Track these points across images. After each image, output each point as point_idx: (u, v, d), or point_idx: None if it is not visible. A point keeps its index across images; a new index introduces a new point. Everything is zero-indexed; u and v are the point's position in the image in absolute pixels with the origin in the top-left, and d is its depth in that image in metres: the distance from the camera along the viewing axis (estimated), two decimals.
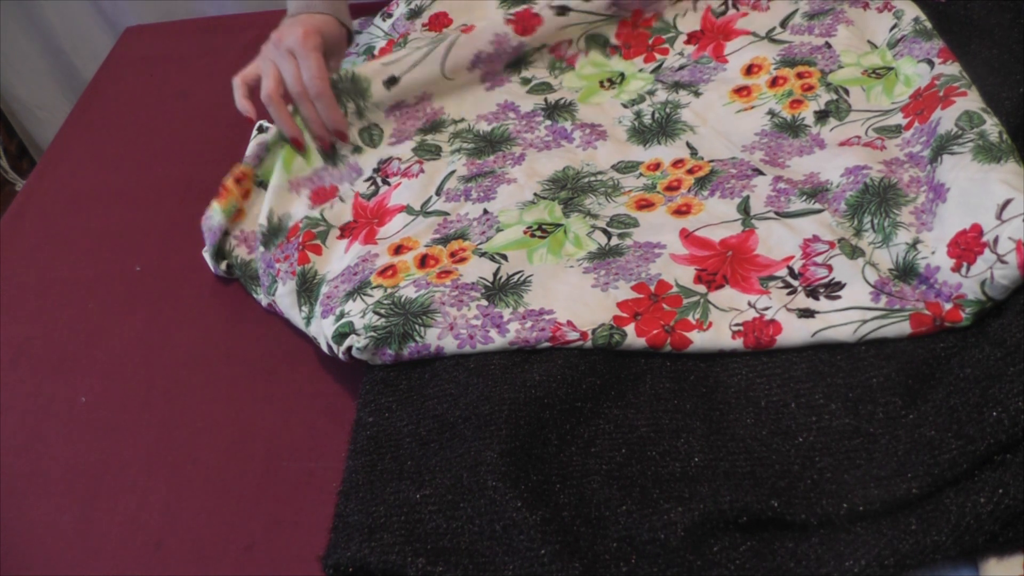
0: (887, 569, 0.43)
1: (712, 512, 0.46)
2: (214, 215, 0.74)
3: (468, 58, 0.78)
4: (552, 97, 0.77)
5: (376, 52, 0.89)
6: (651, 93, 0.77)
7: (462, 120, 0.77)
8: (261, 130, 0.87)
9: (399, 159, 0.73)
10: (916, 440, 0.47)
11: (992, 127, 0.58)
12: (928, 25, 0.72)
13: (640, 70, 0.80)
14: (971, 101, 0.61)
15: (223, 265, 0.73)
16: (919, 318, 0.53)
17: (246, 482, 0.59)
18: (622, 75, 0.79)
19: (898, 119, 0.67)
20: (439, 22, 0.88)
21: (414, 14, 0.92)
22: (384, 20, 0.95)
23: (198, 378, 0.67)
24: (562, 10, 0.78)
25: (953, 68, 0.66)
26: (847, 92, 0.69)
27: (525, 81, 0.77)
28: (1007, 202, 0.52)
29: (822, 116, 0.69)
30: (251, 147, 0.85)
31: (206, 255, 0.74)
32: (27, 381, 0.69)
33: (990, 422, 0.45)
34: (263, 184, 0.75)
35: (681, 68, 0.79)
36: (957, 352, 0.52)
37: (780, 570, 0.45)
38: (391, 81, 0.76)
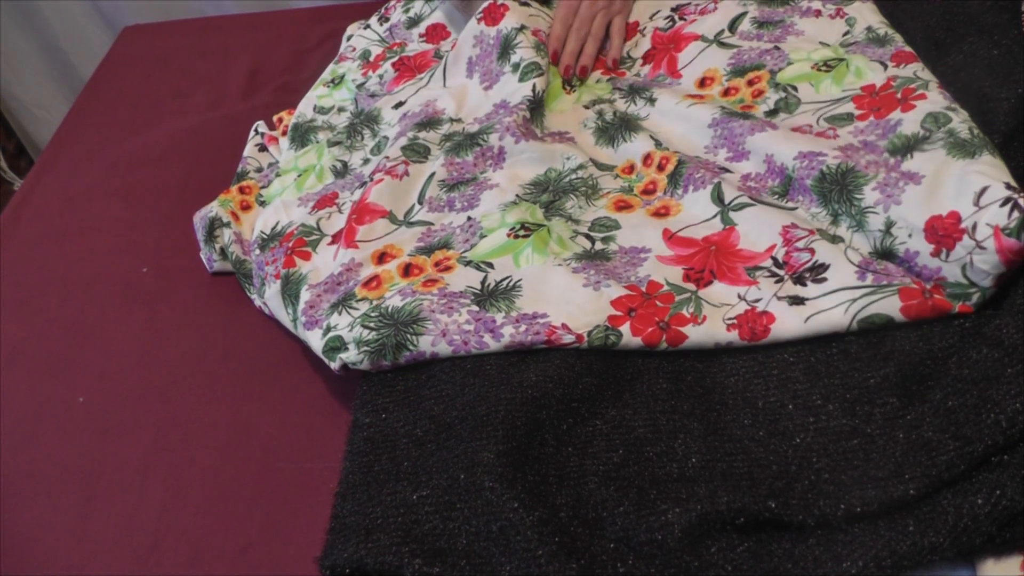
0: (884, 570, 0.43)
1: (709, 513, 0.46)
2: (211, 206, 0.76)
3: (463, 70, 0.80)
4: (540, 83, 0.76)
5: (372, 59, 0.90)
6: (610, 102, 0.77)
7: (459, 120, 0.76)
8: (258, 132, 0.87)
9: (388, 157, 0.73)
10: (914, 441, 0.47)
11: (960, 124, 0.59)
12: (883, 33, 0.72)
13: (597, 81, 0.80)
14: (932, 103, 0.62)
15: (217, 247, 0.74)
16: (908, 292, 0.53)
17: (243, 483, 0.59)
18: (581, 80, 0.80)
19: (850, 107, 0.66)
20: (437, 34, 0.89)
21: (412, 23, 0.92)
22: (381, 24, 0.95)
23: (195, 379, 0.67)
24: (523, 3, 0.80)
25: (907, 71, 0.66)
26: (795, 89, 0.69)
27: (515, 67, 0.76)
28: (984, 189, 0.52)
29: (771, 113, 0.69)
30: (248, 147, 0.86)
31: (201, 242, 0.75)
32: (24, 381, 0.69)
33: (988, 424, 0.45)
34: (264, 205, 0.77)
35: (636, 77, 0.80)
36: (955, 353, 0.51)
37: (777, 571, 0.45)
38: (398, 104, 0.80)
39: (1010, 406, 0.45)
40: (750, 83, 0.72)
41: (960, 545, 0.43)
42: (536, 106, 0.75)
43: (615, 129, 0.73)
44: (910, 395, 0.50)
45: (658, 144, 0.70)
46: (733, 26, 0.78)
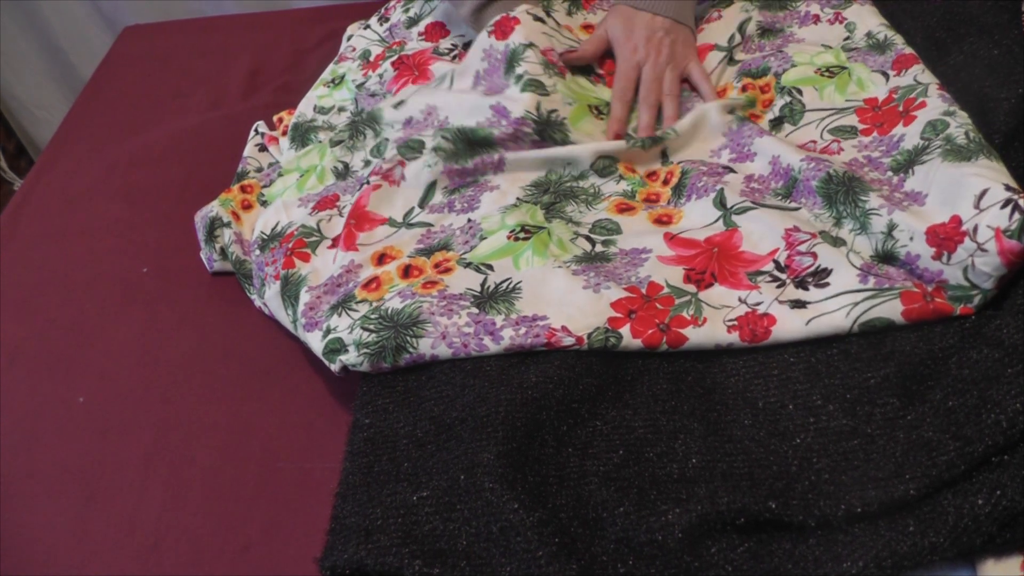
0: (885, 570, 0.43)
1: (710, 513, 0.46)
2: (212, 206, 0.75)
3: (469, 82, 0.78)
4: (546, 105, 0.71)
5: (372, 59, 0.90)
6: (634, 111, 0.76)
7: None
8: (258, 132, 0.87)
9: (384, 159, 0.72)
10: (914, 441, 0.47)
11: (957, 129, 0.59)
12: (883, 37, 0.72)
13: None
14: (931, 110, 0.62)
15: (217, 247, 0.74)
16: (909, 295, 0.53)
17: (243, 483, 0.59)
18: (608, 104, 0.76)
19: (853, 120, 0.67)
20: (436, 33, 0.88)
21: (412, 22, 0.92)
22: (381, 24, 0.95)
23: (195, 379, 0.67)
24: (537, 18, 0.77)
25: (908, 77, 0.66)
26: (800, 92, 0.70)
27: (518, 79, 0.73)
28: (984, 192, 0.52)
29: (777, 123, 0.69)
30: (248, 148, 0.86)
31: (201, 241, 0.75)
32: (24, 381, 0.69)
33: (988, 424, 0.45)
34: (266, 204, 0.77)
35: None
36: (955, 353, 0.51)
37: (778, 571, 0.45)
38: (399, 104, 0.78)
39: (1010, 406, 0.45)
40: (762, 90, 0.72)
41: (960, 545, 0.43)
42: (543, 127, 0.71)
43: (631, 139, 0.72)
44: (910, 395, 0.50)
45: (665, 159, 0.70)
46: (742, 28, 0.78)
